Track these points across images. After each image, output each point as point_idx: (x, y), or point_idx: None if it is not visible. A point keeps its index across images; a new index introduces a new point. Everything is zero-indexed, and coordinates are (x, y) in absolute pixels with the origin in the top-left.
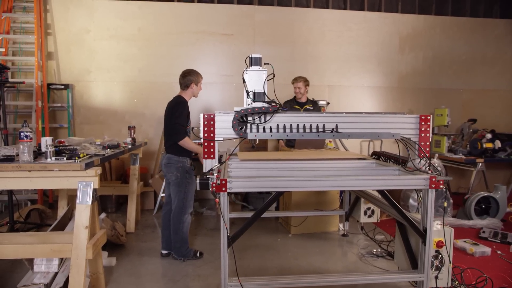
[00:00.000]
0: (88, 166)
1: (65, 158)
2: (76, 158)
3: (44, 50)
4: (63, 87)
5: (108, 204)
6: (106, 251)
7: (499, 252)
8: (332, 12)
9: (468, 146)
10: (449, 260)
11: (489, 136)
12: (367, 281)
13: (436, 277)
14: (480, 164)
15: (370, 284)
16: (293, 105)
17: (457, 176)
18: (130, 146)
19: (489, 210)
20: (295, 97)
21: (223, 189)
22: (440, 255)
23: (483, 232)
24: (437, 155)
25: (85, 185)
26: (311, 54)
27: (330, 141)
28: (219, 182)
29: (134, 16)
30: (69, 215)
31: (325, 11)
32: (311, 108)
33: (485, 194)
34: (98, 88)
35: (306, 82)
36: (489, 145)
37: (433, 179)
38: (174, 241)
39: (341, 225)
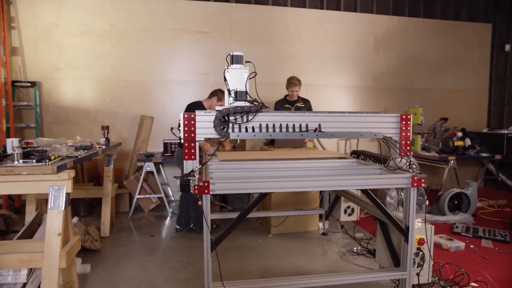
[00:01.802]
0: (60, 169)
1: (34, 161)
2: (47, 160)
3: (8, 45)
4: (29, 84)
5: (80, 207)
6: (79, 257)
7: (472, 246)
8: (309, 11)
9: (440, 144)
10: (430, 257)
11: (460, 134)
12: (352, 280)
13: (418, 274)
14: (452, 161)
15: (352, 283)
16: (284, 104)
17: (430, 173)
18: (104, 147)
19: (461, 206)
20: (286, 96)
21: (206, 191)
22: (421, 252)
23: (456, 227)
24: (412, 153)
25: (57, 189)
26: (288, 53)
27: (309, 140)
28: (201, 184)
29: (106, 11)
30: (38, 221)
31: (302, 10)
32: (302, 105)
33: (458, 191)
34: (68, 86)
35: (300, 83)
36: (460, 143)
37: (415, 178)
38: (196, 217)
39: (320, 224)
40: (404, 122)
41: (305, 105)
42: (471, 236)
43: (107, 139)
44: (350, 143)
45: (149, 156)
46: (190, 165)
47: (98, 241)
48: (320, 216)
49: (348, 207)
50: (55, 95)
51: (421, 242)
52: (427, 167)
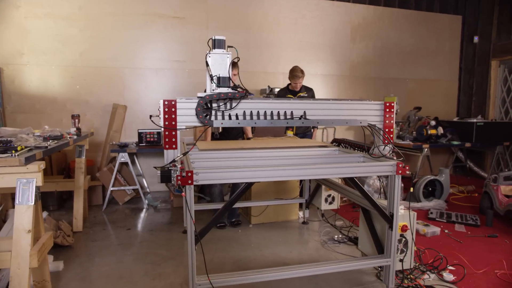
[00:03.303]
0: (28, 160)
1: None
2: (13, 151)
3: None
4: None
5: (49, 201)
6: (51, 254)
7: (446, 231)
8: None
9: (414, 132)
10: (413, 243)
11: (433, 123)
12: (338, 269)
13: (402, 260)
14: (426, 149)
15: (337, 272)
16: (287, 93)
17: (405, 161)
18: (75, 137)
19: (435, 192)
20: (288, 85)
21: (189, 181)
22: (404, 239)
23: (431, 213)
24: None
25: (25, 182)
26: (266, 40)
27: (290, 129)
28: (184, 174)
29: None
30: (3, 217)
31: None
32: (305, 95)
33: (432, 178)
34: (33, 73)
35: (303, 75)
36: (433, 131)
37: (400, 165)
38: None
39: (301, 213)
40: (387, 110)
41: (308, 94)
42: (445, 221)
43: (78, 129)
44: (327, 132)
45: (123, 147)
46: (171, 154)
47: (70, 236)
48: (300, 205)
49: (329, 195)
50: (18, 82)
51: (404, 228)
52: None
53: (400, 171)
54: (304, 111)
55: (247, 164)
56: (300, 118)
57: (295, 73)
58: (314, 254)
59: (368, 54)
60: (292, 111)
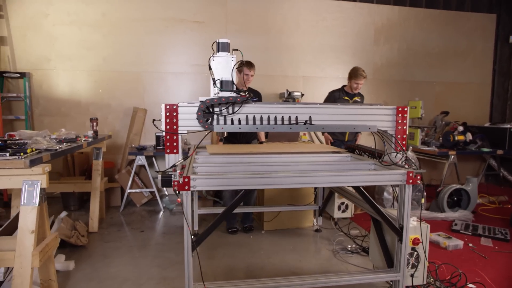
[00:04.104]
0: (34, 163)
1: (7, 154)
2: (22, 154)
3: None
4: (18, 75)
5: (70, 201)
6: (64, 254)
7: (470, 244)
8: (306, 1)
9: (440, 138)
10: (425, 258)
11: (461, 128)
12: (341, 282)
13: (412, 275)
14: (452, 156)
15: (344, 285)
16: (342, 96)
17: (430, 168)
18: (90, 139)
19: (461, 202)
20: (343, 87)
21: (186, 187)
22: (416, 253)
23: (455, 224)
24: (411, 147)
25: (30, 184)
26: (286, 44)
27: (304, 134)
28: (181, 180)
29: (97, 0)
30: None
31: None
32: (359, 100)
33: (457, 187)
34: (59, 78)
35: (366, 77)
36: (461, 137)
37: (410, 174)
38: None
39: (314, 220)
40: (400, 115)
41: (361, 101)
42: (470, 234)
43: (95, 132)
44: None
45: (140, 150)
46: (172, 159)
47: (85, 236)
48: (315, 212)
49: (342, 203)
50: (46, 87)
51: (416, 242)
52: (427, 162)
53: (410, 180)
54: (310, 116)
55: (254, 169)
56: (305, 124)
57: (359, 72)
58: (325, 264)
59: (392, 56)
60: (297, 116)
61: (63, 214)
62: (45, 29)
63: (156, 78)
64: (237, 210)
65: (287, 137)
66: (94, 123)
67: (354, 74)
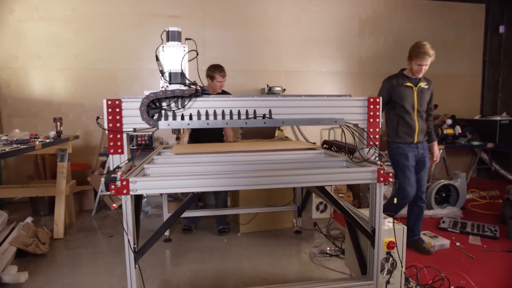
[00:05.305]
0: None
1: None
2: None
3: None
4: None
5: (40, 206)
6: (23, 264)
7: (458, 243)
8: None
9: None
10: (402, 263)
11: (449, 122)
12: None
13: (388, 282)
14: (441, 150)
15: None
16: (403, 82)
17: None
18: (48, 140)
19: (449, 199)
20: (403, 70)
21: (125, 191)
22: (391, 258)
23: (443, 222)
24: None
25: None
26: (267, 37)
27: (281, 130)
28: (119, 183)
29: None
30: None
31: None
32: (426, 87)
33: (445, 182)
34: (28, 76)
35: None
36: (450, 131)
37: (381, 172)
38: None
39: (294, 221)
40: (372, 107)
41: (429, 87)
42: (458, 232)
43: (58, 132)
44: (334, 133)
45: None
46: (116, 160)
47: (46, 244)
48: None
49: (321, 203)
50: (14, 86)
51: (390, 245)
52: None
53: (382, 178)
54: (270, 110)
55: (217, 169)
56: (263, 117)
57: (424, 49)
58: (299, 269)
59: (378, 49)
60: (255, 110)
61: (29, 219)
62: (12, 26)
63: (131, 75)
64: (208, 213)
65: (263, 135)
66: (58, 123)
67: (416, 53)
